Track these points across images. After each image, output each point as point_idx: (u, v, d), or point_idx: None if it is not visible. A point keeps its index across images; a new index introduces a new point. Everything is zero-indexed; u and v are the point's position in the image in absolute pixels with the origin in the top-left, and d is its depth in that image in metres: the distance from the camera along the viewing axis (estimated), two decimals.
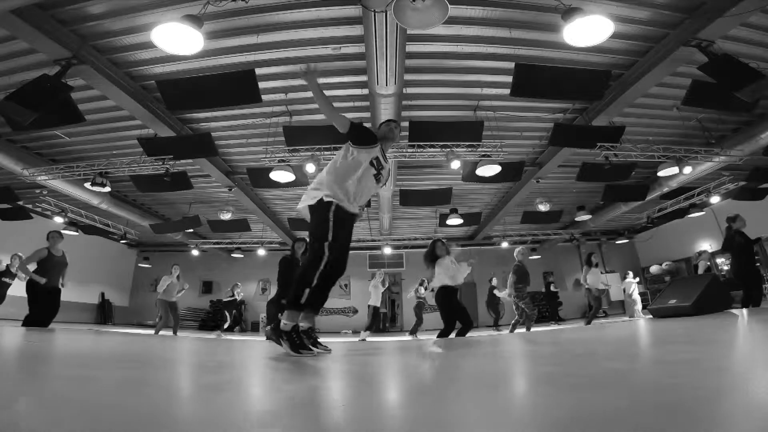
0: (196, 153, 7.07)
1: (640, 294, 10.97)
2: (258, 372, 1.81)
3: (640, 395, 0.87)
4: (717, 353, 1.65)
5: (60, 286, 5.29)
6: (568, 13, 3.93)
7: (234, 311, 10.65)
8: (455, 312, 4.66)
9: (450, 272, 4.70)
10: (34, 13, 4.35)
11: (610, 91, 5.89)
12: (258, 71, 5.03)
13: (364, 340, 7.20)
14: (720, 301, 4.94)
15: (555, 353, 2.18)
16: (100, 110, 6.56)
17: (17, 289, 6.76)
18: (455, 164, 7.01)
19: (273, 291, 6.09)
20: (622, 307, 12.09)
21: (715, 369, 1.21)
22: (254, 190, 9.77)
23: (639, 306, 9.94)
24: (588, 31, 3.96)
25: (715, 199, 9.87)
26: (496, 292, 10.78)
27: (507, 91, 5.21)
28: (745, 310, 4.73)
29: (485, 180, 7.75)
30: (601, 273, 7.83)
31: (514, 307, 6.87)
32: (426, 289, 9.02)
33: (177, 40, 4.00)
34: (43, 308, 5.07)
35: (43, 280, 4.99)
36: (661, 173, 7.96)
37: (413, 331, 8.87)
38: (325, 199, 2.25)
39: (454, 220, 10.57)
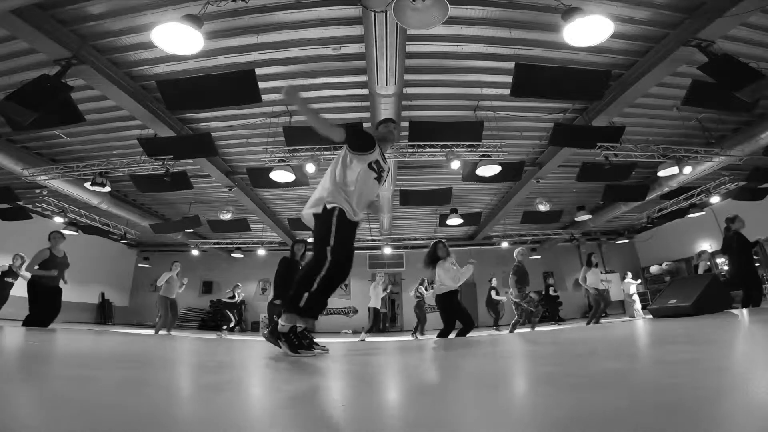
0: (196, 153, 7.07)
1: (640, 294, 10.97)
2: (258, 372, 1.81)
3: (640, 395, 0.87)
4: (717, 353, 1.65)
5: (64, 281, 5.32)
6: (568, 13, 3.93)
7: (234, 311, 10.65)
8: (456, 313, 4.68)
9: (451, 273, 4.71)
10: (34, 13, 4.35)
11: (610, 91, 5.89)
12: (258, 71, 5.03)
13: (363, 340, 7.21)
14: (720, 301, 4.94)
15: (555, 353, 2.17)
16: (100, 110, 6.56)
17: (17, 289, 6.76)
18: (455, 164, 7.01)
19: (273, 291, 6.07)
20: (622, 307, 12.09)
21: (715, 369, 1.21)
22: (254, 190, 9.77)
23: (638, 306, 9.95)
24: (588, 31, 3.96)
25: (715, 199, 9.87)
26: (493, 294, 10.80)
27: (507, 91, 5.20)
28: (745, 310, 4.74)
29: (485, 180, 7.75)
30: (601, 273, 7.81)
31: (513, 308, 6.87)
32: (426, 289, 9.02)
33: (177, 40, 3.99)
34: (43, 308, 5.08)
35: (54, 272, 5.03)
36: (661, 173, 7.96)
37: (415, 331, 8.86)
38: (328, 206, 2.26)
39: (454, 220, 10.57)
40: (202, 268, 15.64)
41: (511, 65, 5.02)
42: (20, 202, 9.29)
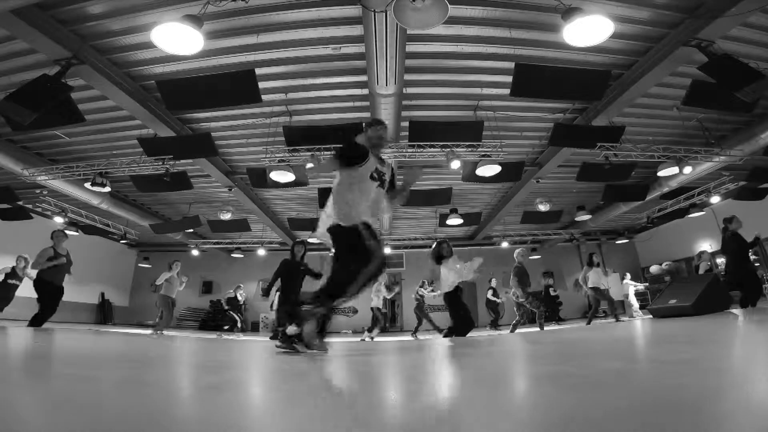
0: (196, 153, 7.07)
1: (641, 294, 10.94)
2: (257, 372, 1.81)
3: (641, 395, 0.87)
4: (717, 353, 1.65)
5: (69, 273, 5.37)
6: (568, 13, 3.93)
7: (237, 312, 10.67)
8: (463, 310, 4.86)
9: (455, 271, 4.84)
10: (34, 13, 4.34)
11: (610, 91, 5.89)
12: (258, 71, 5.03)
13: (364, 339, 7.22)
14: (720, 302, 4.95)
15: (555, 353, 2.17)
16: (100, 110, 6.56)
17: (21, 290, 6.78)
18: (455, 164, 7.01)
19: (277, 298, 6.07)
20: (623, 307, 12.09)
21: (715, 369, 1.21)
22: (254, 190, 9.77)
23: (635, 306, 9.94)
24: (588, 31, 3.97)
25: (715, 199, 9.86)
26: (489, 294, 10.81)
27: (507, 91, 5.20)
28: (744, 310, 4.74)
29: (485, 180, 7.75)
30: (604, 273, 7.75)
31: (515, 308, 6.87)
32: (427, 290, 9.02)
33: (177, 40, 4.00)
34: (46, 306, 5.12)
35: (63, 260, 5.08)
36: (661, 173, 7.96)
37: (415, 332, 8.86)
38: (342, 224, 2.37)
39: (454, 220, 10.56)
40: (202, 268, 15.63)
41: (511, 65, 5.01)
42: (20, 202, 9.29)
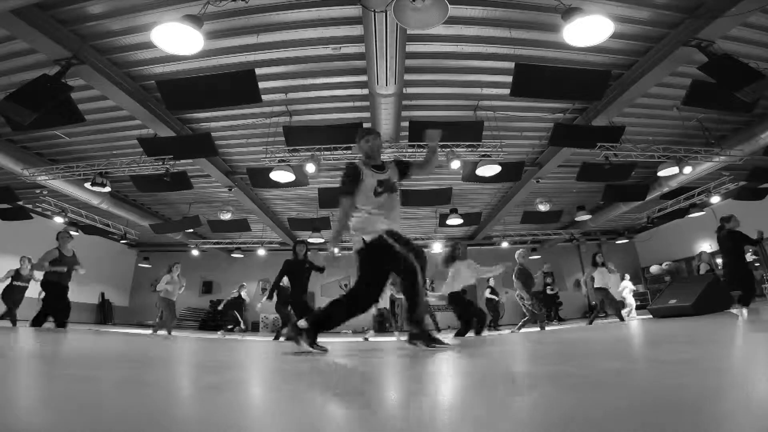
0: (196, 153, 7.07)
1: (640, 294, 10.91)
2: (258, 372, 1.82)
3: (641, 395, 0.87)
4: (717, 353, 1.65)
5: (79, 271, 5.37)
6: (568, 13, 3.93)
7: (239, 312, 10.69)
8: (472, 306, 4.93)
9: (465, 273, 4.96)
10: (34, 13, 4.34)
11: (610, 91, 5.89)
12: (258, 71, 5.03)
13: (366, 339, 7.26)
14: (720, 302, 4.96)
15: (555, 353, 2.18)
16: (100, 110, 6.56)
17: (28, 290, 6.81)
18: (455, 164, 7.01)
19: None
20: (623, 307, 12.06)
21: (715, 369, 1.21)
22: (254, 190, 9.77)
23: (631, 306, 9.90)
24: (588, 31, 3.97)
25: (715, 199, 9.86)
26: (487, 292, 10.81)
27: (507, 91, 5.21)
28: (744, 310, 4.74)
29: (485, 180, 7.75)
30: (609, 272, 7.67)
31: (524, 309, 6.85)
32: (428, 290, 9.03)
33: (177, 40, 4.00)
34: (52, 306, 5.13)
35: (64, 268, 5.08)
36: (661, 173, 7.96)
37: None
38: (366, 239, 2.47)
39: (454, 220, 10.57)
40: (202, 268, 15.62)
41: (511, 65, 5.02)
42: (20, 202, 9.29)
